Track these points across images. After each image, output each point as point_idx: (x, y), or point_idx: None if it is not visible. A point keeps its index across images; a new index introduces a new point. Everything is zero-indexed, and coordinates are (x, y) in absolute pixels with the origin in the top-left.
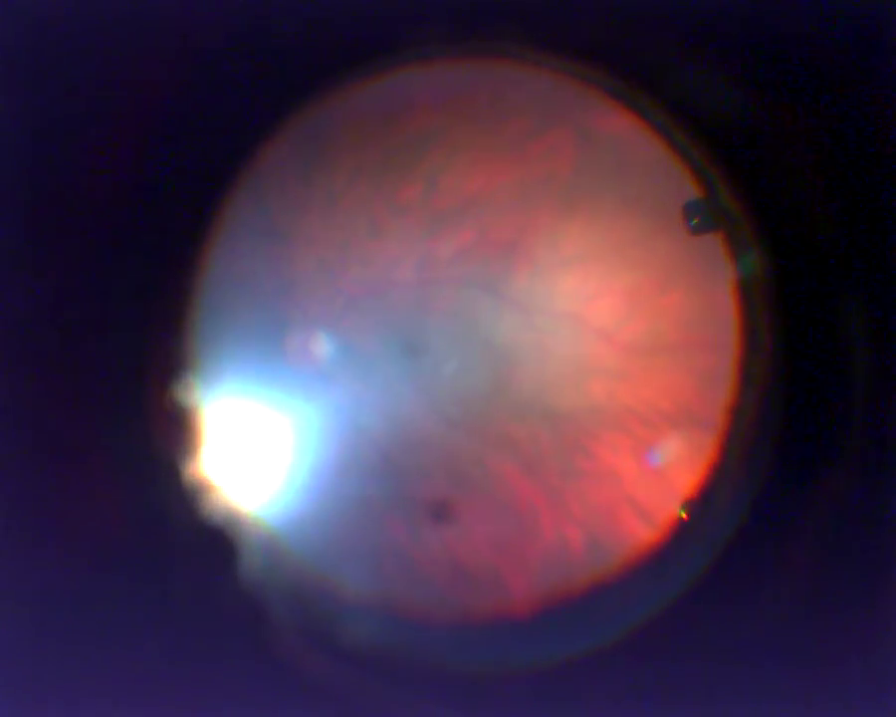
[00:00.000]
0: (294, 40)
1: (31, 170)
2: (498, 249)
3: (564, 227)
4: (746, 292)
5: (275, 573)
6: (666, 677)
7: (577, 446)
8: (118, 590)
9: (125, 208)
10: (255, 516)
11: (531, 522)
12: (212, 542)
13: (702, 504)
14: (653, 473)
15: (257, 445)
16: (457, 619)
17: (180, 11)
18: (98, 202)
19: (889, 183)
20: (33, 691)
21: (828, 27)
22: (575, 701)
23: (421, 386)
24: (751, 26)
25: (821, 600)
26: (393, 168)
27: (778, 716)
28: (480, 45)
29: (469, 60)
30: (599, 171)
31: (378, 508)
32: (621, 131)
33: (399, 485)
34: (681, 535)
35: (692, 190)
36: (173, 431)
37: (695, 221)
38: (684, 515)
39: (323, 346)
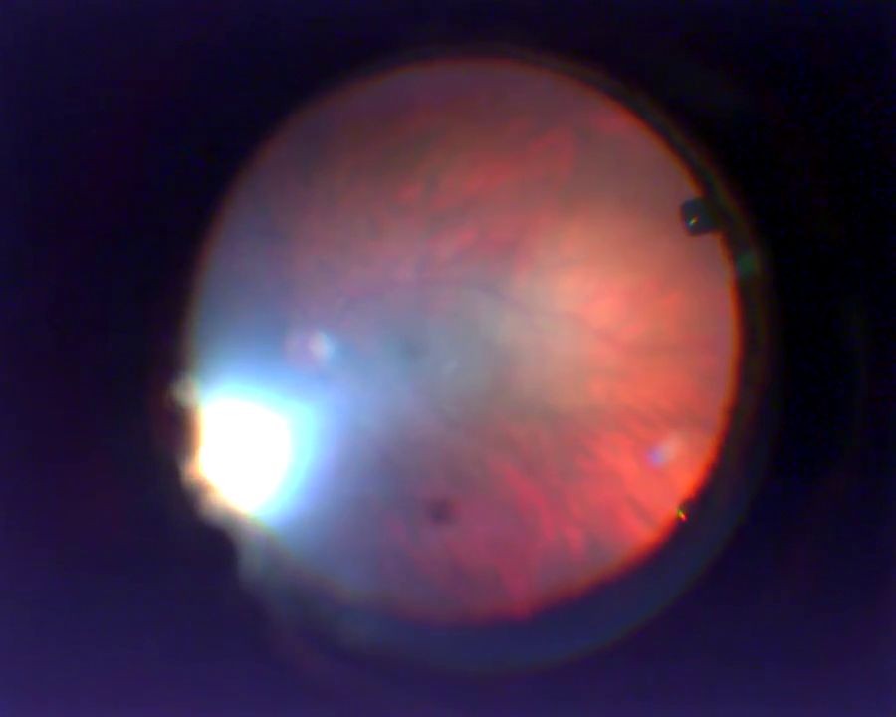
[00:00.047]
0: (294, 40)
1: (31, 170)
2: (498, 249)
3: (564, 227)
4: (744, 292)
5: (274, 573)
6: (666, 677)
7: (577, 446)
8: (118, 590)
9: (125, 208)
10: (254, 516)
11: (531, 522)
12: (212, 542)
13: (701, 504)
14: (653, 473)
15: (256, 445)
16: (457, 620)
17: (180, 11)
18: (98, 202)
19: (888, 183)
20: (33, 691)
21: (828, 27)
22: (575, 701)
23: (421, 386)
24: (750, 26)
25: (821, 600)
26: (393, 168)
27: (777, 716)
28: (480, 45)
29: (469, 60)
30: (599, 171)
31: (378, 508)
32: (621, 132)
33: (399, 485)
34: (681, 535)
35: (691, 190)
36: (173, 431)
37: (693, 221)
38: (683, 515)
39: (322, 346)
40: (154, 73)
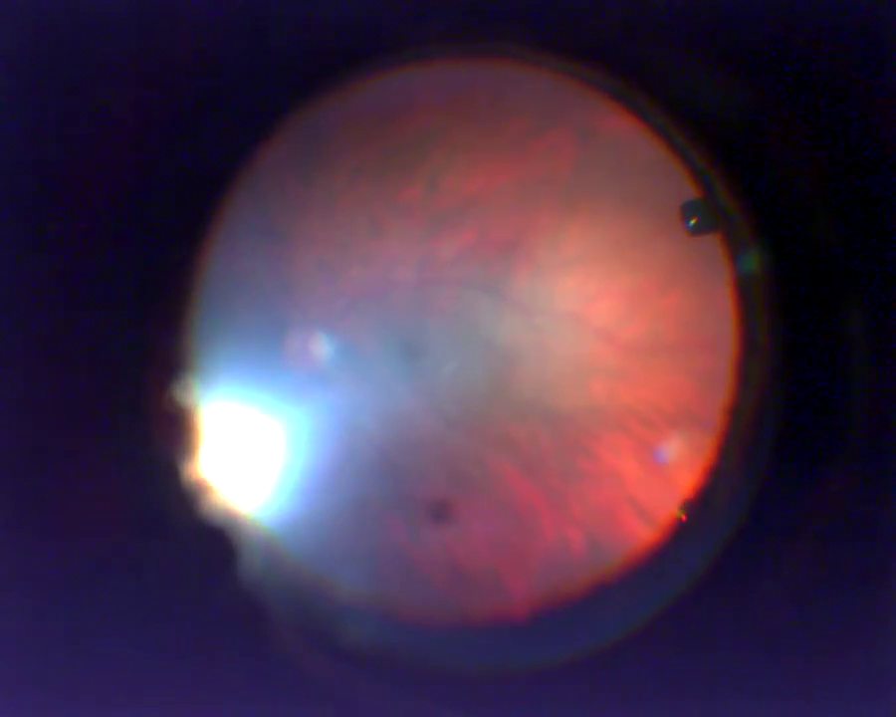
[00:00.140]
0: (294, 40)
1: (31, 170)
2: (498, 249)
3: (565, 227)
4: (745, 292)
5: (274, 573)
6: (666, 677)
7: (578, 447)
8: (118, 589)
9: (125, 208)
10: (254, 516)
11: (531, 522)
12: (211, 542)
13: (701, 504)
14: (653, 473)
15: (256, 445)
16: (456, 620)
17: (180, 11)
18: (98, 202)
19: (888, 183)
20: (33, 691)
21: (828, 27)
22: (575, 701)
23: (421, 387)
24: (750, 26)
25: (821, 600)
26: (393, 168)
27: (777, 715)
28: (480, 45)
29: (469, 60)
30: (599, 172)
31: (378, 508)
32: (621, 132)
33: (399, 485)
34: (681, 535)
35: (691, 190)
36: (173, 431)
37: (693, 221)
38: (683, 515)
39: (322, 346)
40: (154, 73)
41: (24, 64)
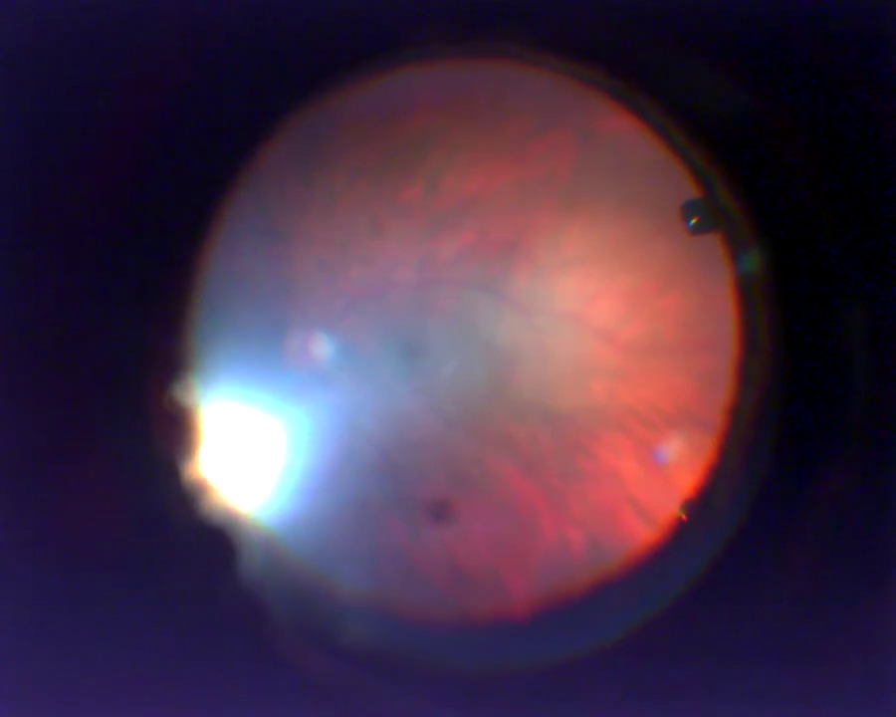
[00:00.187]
0: (294, 40)
1: (31, 170)
2: (498, 250)
3: (565, 227)
4: (745, 292)
5: (274, 573)
6: (666, 677)
7: (578, 446)
8: (118, 590)
9: (125, 208)
10: (254, 516)
11: (531, 522)
12: (211, 542)
13: (701, 504)
14: (653, 473)
15: (256, 445)
16: (457, 620)
17: (180, 11)
18: (98, 202)
19: (888, 183)
20: (33, 691)
21: (828, 26)
22: (575, 701)
23: (421, 387)
24: (750, 26)
25: (821, 600)
26: (393, 168)
27: (777, 716)
28: (480, 45)
29: (469, 60)
30: (599, 172)
31: (378, 508)
32: (621, 132)
33: (399, 485)
34: (681, 535)
35: (691, 190)
36: (173, 431)
37: (694, 221)
38: (683, 515)
39: (322, 346)
40: (154, 73)
41: (24, 64)
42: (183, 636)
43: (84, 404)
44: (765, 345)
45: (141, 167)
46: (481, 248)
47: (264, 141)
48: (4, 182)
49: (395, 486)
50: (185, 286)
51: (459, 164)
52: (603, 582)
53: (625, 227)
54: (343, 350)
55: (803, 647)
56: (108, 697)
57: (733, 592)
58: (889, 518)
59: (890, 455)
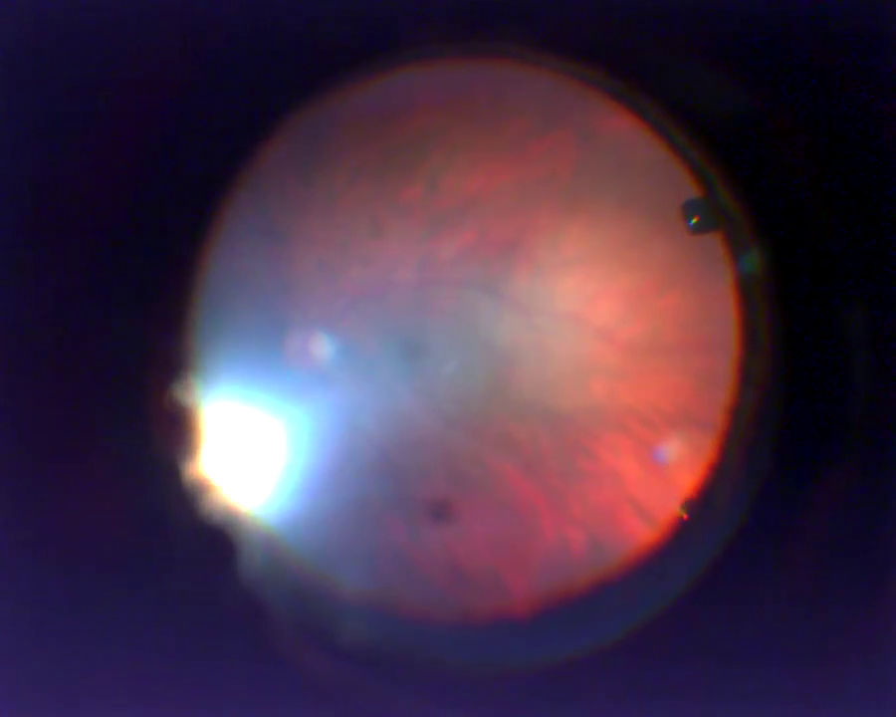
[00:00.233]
0: (294, 40)
1: (31, 170)
2: (498, 250)
3: (565, 228)
4: (745, 292)
5: (274, 572)
6: (666, 677)
7: (578, 446)
8: (118, 590)
9: (125, 208)
10: (254, 516)
11: (531, 522)
12: (212, 542)
13: (702, 504)
14: (654, 473)
15: (256, 445)
16: (457, 619)
17: (180, 11)
18: (98, 202)
19: (889, 183)
20: (33, 691)
21: (828, 26)
22: (575, 701)
23: (421, 387)
24: (750, 26)
25: (821, 600)
26: (393, 168)
27: (777, 716)
28: (480, 45)
29: (469, 60)
30: (600, 172)
31: (378, 508)
32: (622, 132)
33: (399, 485)
34: (681, 535)
35: (691, 190)
36: (173, 431)
37: (694, 221)
38: (684, 515)
39: (322, 346)
40: (154, 73)
41: (24, 64)
42: (183, 636)
43: (84, 404)
44: (765, 345)
45: (141, 167)
46: (481, 248)
47: (264, 141)
48: (4, 182)
49: (395, 486)
50: (185, 286)
51: (459, 164)
52: (603, 582)
53: (625, 227)
54: (343, 350)
55: (803, 647)
56: (108, 697)
57: (733, 592)
58: (889, 518)
59: (890, 455)
